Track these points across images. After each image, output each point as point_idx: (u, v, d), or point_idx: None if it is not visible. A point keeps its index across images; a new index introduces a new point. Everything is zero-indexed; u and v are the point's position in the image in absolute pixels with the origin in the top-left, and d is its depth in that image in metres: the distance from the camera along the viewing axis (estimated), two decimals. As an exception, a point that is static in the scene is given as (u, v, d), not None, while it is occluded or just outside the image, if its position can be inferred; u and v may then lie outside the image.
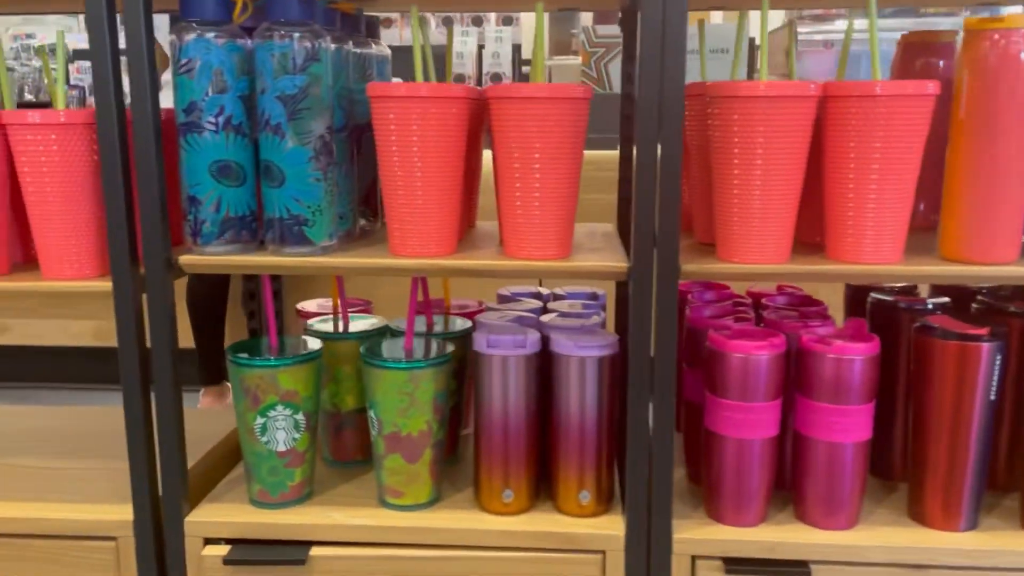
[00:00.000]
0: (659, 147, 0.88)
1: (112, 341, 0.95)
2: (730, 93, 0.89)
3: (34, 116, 0.92)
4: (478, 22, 3.91)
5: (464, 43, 3.61)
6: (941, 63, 1.10)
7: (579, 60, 3.28)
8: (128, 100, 0.91)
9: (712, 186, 0.94)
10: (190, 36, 0.91)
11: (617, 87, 2.90)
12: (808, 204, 0.93)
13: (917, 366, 0.97)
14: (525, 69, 3.71)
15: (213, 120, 0.92)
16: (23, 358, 3.00)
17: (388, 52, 1.19)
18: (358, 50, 1.08)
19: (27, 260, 1.06)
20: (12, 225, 1.01)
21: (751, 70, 2.86)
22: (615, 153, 1.22)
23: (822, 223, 0.94)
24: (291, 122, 0.92)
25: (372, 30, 1.19)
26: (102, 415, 1.34)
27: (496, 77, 3.62)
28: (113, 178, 0.92)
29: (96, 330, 2.86)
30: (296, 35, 0.90)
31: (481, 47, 3.67)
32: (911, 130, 0.87)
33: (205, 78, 0.91)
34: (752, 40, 2.89)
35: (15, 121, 0.93)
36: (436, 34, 3.60)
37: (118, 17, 0.90)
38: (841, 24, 3.45)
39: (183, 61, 0.91)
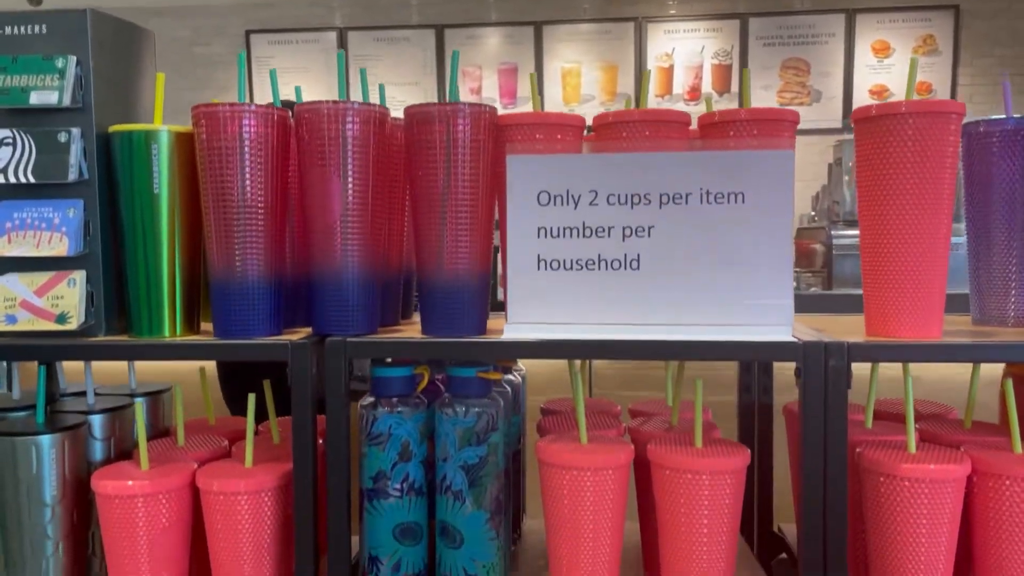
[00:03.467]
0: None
1: None
2: (888, 470, 0.95)
3: (227, 484, 0.99)
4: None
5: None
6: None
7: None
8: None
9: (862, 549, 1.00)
10: (382, 411, 0.99)
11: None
12: None
13: None
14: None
15: (398, 487, 0.99)
16: None
17: (524, 371, 1.28)
18: (512, 382, 1.16)
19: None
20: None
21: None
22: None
23: None
24: (472, 488, 0.98)
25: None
26: None
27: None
28: (306, 546, 0.97)
29: None
30: (477, 410, 0.98)
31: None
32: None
33: (394, 450, 0.99)
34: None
35: (208, 488, 0.99)
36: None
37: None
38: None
39: (375, 434, 0.99)
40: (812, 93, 5.58)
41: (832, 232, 3.28)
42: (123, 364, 1.25)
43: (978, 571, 0.99)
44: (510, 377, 1.16)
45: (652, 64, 5.66)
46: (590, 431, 1.05)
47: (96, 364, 1.17)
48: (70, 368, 1.29)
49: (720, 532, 0.98)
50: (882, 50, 5.49)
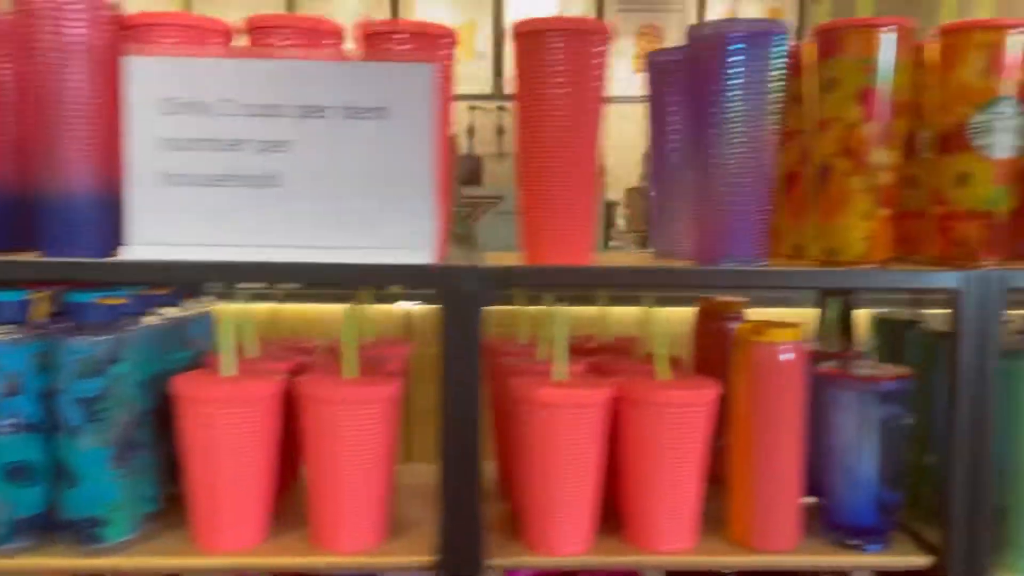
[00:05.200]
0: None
1: None
2: (528, 397, 0.93)
3: None
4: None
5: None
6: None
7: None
8: None
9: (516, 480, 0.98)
10: (-15, 340, 0.89)
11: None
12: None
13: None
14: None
15: (10, 424, 0.90)
16: None
17: (210, 310, 1.20)
18: (175, 316, 1.08)
19: None
20: None
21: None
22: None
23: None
24: (90, 423, 0.90)
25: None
26: None
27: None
28: None
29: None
30: (98, 337, 0.90)
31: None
32: (698, 430, 0.94)
33: (2, 382, 0.89)
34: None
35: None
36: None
37: None
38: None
39: (-23, 364, 0.89)
40: (664, 61, 5.66)
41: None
42: None
43: (626, 493, 0.98)
44: (176, 311, 1.08)
45: (509, 26, 5.60)
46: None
47: None
48: None
49: (365, 460, 0.93)
50: (729, 22, 5.62)
